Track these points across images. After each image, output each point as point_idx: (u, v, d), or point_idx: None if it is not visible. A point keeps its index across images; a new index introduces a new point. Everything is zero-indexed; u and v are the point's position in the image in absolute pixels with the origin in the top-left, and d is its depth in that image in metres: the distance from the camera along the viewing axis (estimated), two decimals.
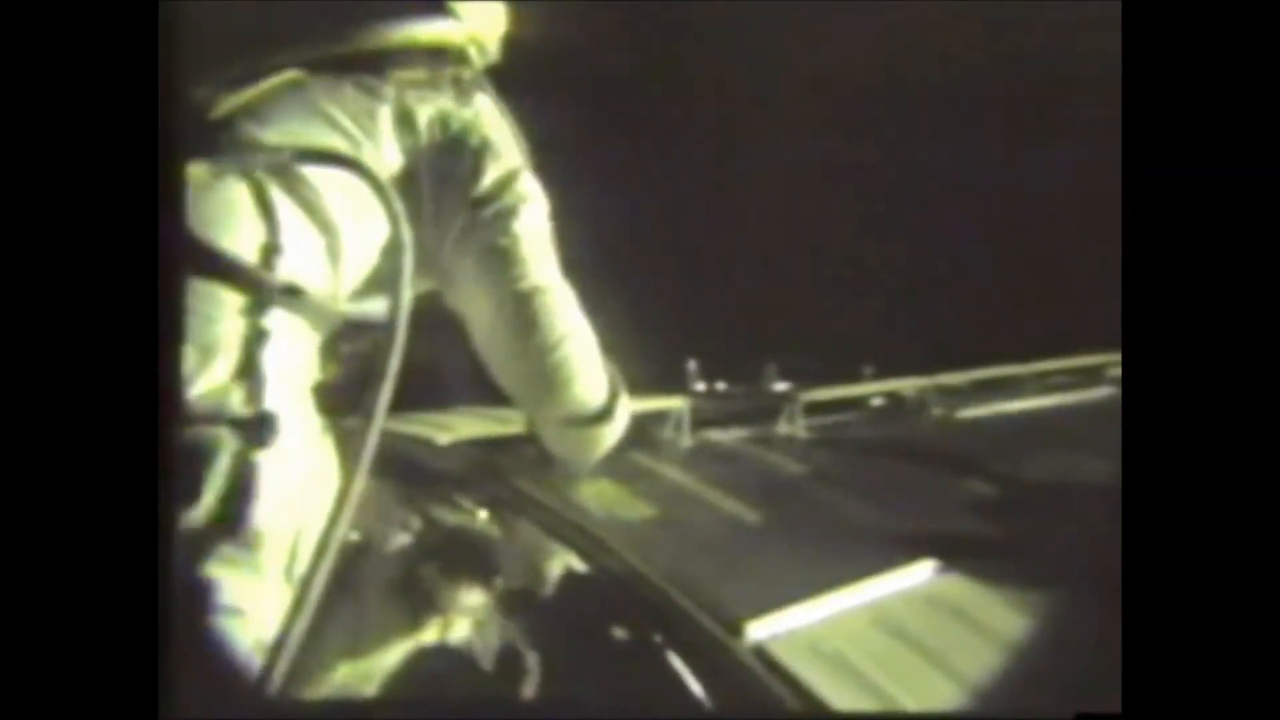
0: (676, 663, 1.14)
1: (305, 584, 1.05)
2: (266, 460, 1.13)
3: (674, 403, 1.99)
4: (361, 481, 1.10)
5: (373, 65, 1.46)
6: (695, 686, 1.11)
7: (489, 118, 1.56)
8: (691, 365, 2.18)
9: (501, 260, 1.40)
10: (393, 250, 1.23)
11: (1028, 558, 1.36)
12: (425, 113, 1.44)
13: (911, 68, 3.35)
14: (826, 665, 1.09)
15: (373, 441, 1.12)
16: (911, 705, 1.04)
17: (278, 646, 1.02)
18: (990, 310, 3.25)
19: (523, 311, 1.40)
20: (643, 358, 1.63)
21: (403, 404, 1.97)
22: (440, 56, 1.51)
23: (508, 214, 1.41)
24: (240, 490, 1.10)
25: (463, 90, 1.53)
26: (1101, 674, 0.91)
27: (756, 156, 3.43)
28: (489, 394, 1.96)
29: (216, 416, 1.13)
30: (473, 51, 1.55)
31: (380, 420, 1.14)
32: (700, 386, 2.17)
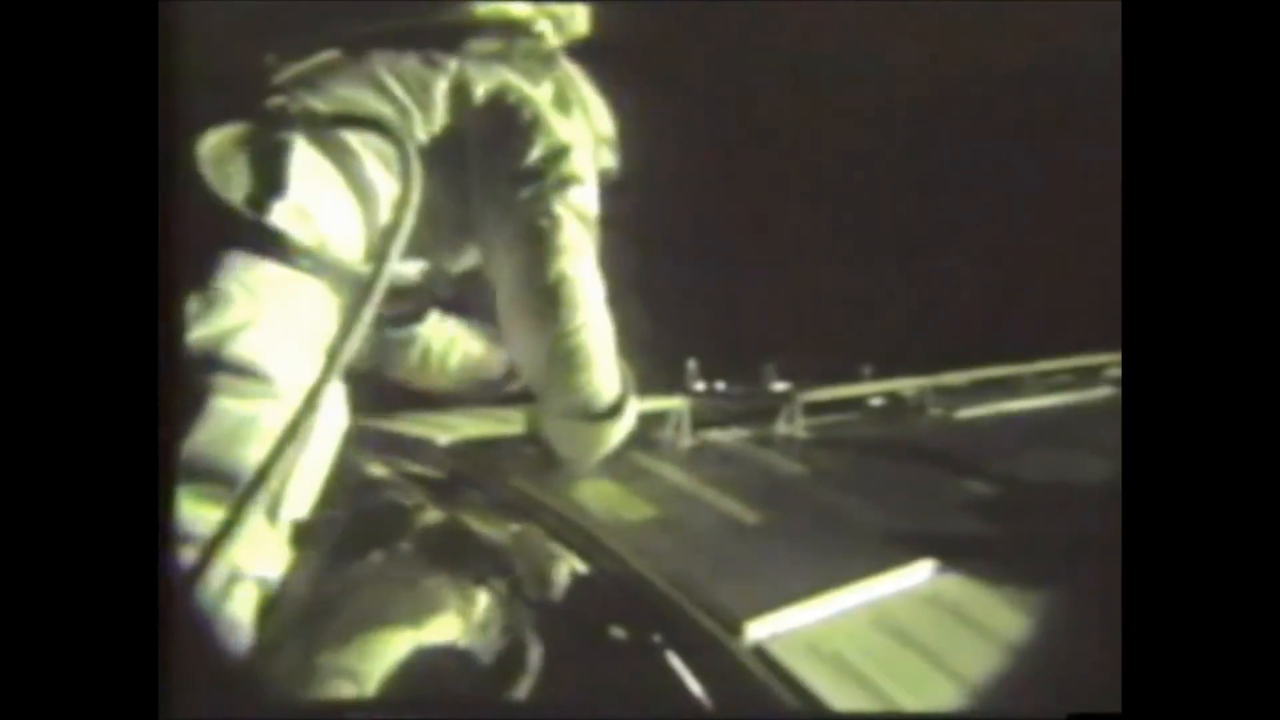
0: (676, 663, 1.14)
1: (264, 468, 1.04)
2: (267, 407, 1.13)
3: (674, 403, 1.99)
4: (309, 427, 1.08)
5: (442, 37, 1.46)
6: (695, 686, 1.11)
7: (561, 94, 1.55)
8: (691, 365, 2.18)
9: (539, 241, 1.40)
10: (399, 206, 1.22)
11: (1028, 558, 1.36)
12: (484, 84, 1.45)
13: (911, 69, 3.35)
14: (826, 665, 1.09)
15: (328, 386, 1.11)
16: (911, 705, 1.04)
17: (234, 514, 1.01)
18: (990, 310, 3.25)
19: (548, 294, 1.41)
20: (643, 358, 1.63)
21: (403, 404, 1.99)
22: (511, 29, 1.51)
23: (552, 193, 1.41)
24: (229, 432, 1.10)
25: (536, 64, 1.52)
26: (1101, 674, 0.91)
27: (756, 156, 3.43)
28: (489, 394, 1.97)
29: (210, 360, 1.13)
30: (544, 24, 1.54)
31: (339, 370, 1.13)
32: (700, 386, 2.17)
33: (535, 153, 1.41)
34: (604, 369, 1.49)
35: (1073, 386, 2.65)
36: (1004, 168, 3.44)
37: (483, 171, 1.43)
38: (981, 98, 3.38)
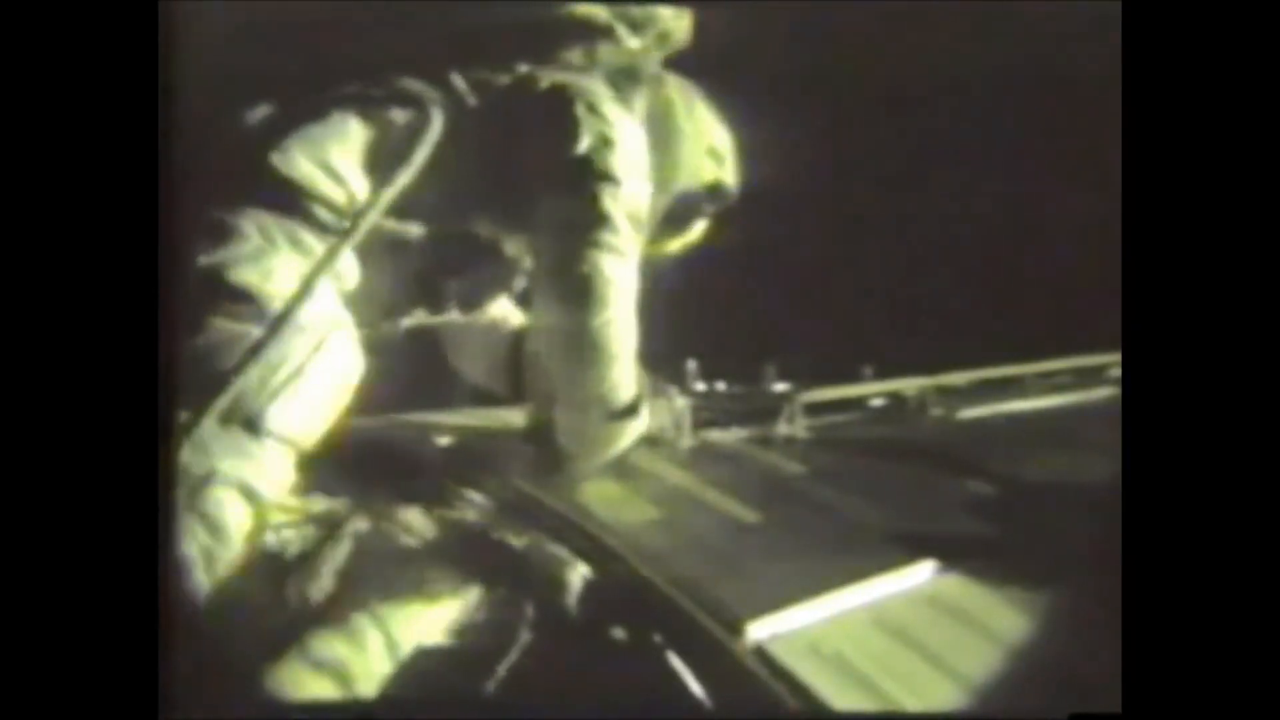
0: (676, 663, 1.14)
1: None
2: (258, 329, 1.21)
3: (675, 403, 1.99)
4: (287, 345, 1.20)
5: (523, 46, 1.49)
6: (695, 686, 1.11)
7: (660, 107, 1.58)
8: (691, 365, 2.18)
9: (583, 233, 1.44)
10: (402, 155, 1.33)
11: (1028, 558, 1.36)
12: (549, 79, 1.46)
13: (910, 68, 3.35)
14: (827, 665, 1.09)
15: (301, 306, 1.22)
16: (912, 705, 1.04)
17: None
18: (991, 310, 3.24)
19: (581, 286, 1.44)
20: (643, 358, 1.63)
21: (404, 404, 1.99)
22: (588, 33, 1.53)
23: (603, 186, 1.44)
24: (216, 348, 1.19)
25: (625, 79, 1.55)
26: (1101, 674, 0.92)
27: (755, 156, 3.43)
28: (489, 394, 1.97)
29: (211, 284, 1.21)
30: (620, 29, 1.55)
31: (312, 287, 1.24)
32: (700, 386, 2.17)
33: (585, 141, 1.43)
34: (627, 367, 1.52)
35: (1074, 387, 2.64)
36: (1004, 167, 3.44)
37: (534, 154, 1.45)
38: (981, 97, 3.38)
